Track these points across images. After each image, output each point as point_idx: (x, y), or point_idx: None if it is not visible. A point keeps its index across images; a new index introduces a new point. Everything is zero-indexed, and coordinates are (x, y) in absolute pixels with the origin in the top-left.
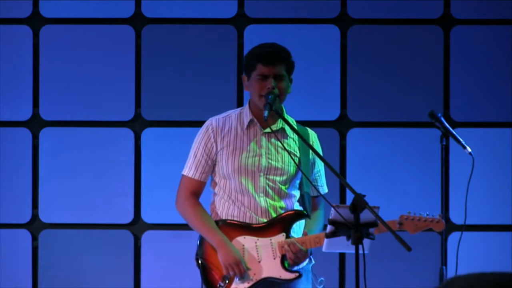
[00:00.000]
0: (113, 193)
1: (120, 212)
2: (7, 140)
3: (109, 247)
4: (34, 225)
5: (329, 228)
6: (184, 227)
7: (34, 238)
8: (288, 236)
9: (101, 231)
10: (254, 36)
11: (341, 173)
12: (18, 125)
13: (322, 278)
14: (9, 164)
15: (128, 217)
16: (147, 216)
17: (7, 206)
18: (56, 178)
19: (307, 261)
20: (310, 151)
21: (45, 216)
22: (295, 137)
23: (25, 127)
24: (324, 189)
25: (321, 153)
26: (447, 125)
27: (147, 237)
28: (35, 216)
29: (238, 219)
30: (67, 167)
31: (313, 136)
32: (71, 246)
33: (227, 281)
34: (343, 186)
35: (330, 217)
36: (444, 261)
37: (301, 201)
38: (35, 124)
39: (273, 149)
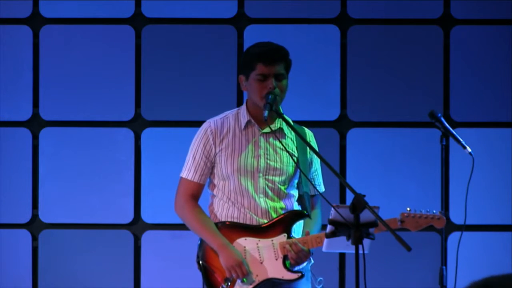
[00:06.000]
0: (113, 193)
1: (120, 212)
2: (7, 140)
3: (109, 247)
4: (34, 225)
5: (329, 228)
6: (184, 227)
7: (34, 238)
8: (289, 236)
9: (101, 231)
10: (254, 36)
11: (341, 173)
12: (18, 125)
13: (321, 278)
14: (9, 164)
15: (128, 217)
16: (147, 216)
17: (7, 206)
18: (56, 178)
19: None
20: (308, 150)
21: (45, 216)
22: (293, 136)
23: (25, 127)
24: (321, 188)
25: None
26: (447, 125)
27: (147, 237)
28: (35, 216)
29: (238, 221)
30: (67, 167)
31: (310, 135)
32: (71, 246)
33: (229, 283)
34: (343, 186)
35: (330, 217)
36: (444, 261)
37: (300, 200)
38: (35, 124)
39: (271, 150)
